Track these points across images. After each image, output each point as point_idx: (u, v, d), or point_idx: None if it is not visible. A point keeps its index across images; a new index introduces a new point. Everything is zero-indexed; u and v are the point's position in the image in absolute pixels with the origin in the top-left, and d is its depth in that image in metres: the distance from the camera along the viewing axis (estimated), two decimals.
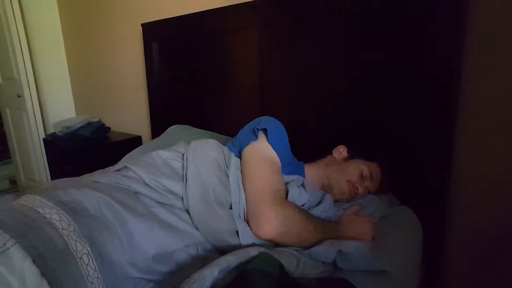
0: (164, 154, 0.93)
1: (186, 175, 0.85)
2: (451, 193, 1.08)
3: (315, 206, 0.92)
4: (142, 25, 1.92)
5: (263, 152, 0.92)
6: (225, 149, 0.98)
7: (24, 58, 2.48)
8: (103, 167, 1.45)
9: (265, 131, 0.96)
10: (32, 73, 2.53)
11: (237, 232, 0.75)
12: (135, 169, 0.84)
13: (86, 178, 0.88)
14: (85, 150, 2.08)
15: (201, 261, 0.72)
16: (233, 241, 0.74)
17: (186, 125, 1.70)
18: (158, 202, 0.79)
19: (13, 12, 2.39)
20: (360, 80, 1.17)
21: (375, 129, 1.15)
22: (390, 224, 0.94)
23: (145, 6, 2.02)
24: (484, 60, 0.98)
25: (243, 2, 1.45)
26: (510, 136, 0.97)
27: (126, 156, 1.48)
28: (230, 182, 0.86)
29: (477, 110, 1.01)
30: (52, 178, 2.58)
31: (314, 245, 0.78)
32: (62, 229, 0.63)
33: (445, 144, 1.02)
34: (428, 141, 1.04)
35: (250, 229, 0.77)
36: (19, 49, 2.45)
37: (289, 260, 0.67)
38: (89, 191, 0.73)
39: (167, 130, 1.68)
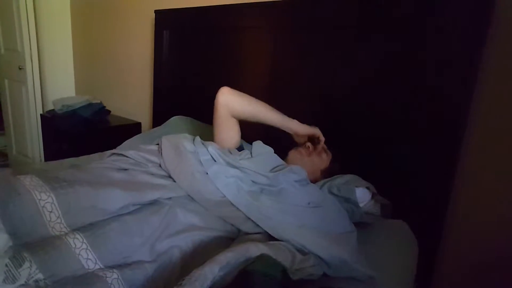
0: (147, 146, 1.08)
1: (161, 146, 0.99)
2: (449, 208, 1.08)
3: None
4: (156, 11, 1.90)
5: None
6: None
7: (30, 30, 2.43)
8: (99, 150, 1.43)
9: None
10: (36, 46, 2.49)
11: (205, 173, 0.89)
12: (126, 153, 1.00)
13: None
14: (83, 131, 2.06)
15: (171, 208, 0.81)
16: (201, 177, 0.88)
17: (188, 117, 1.69)
18: (141, 170, 0.93)
19: None
20: (371, 86, 1.18)
21: (381, 139, 1.17)
22: (384, 236, 0.98)
23: None
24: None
25: (260, 1, 1.45)
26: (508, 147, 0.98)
27: (124, 143, 1.46)
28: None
29: (477, 117, 1.02)
30: (46, 155, 2.54)
31: (271, 123, 1.07)
32: (30, 185, 0.71)
33: (445, 159, 1.04)
34: (428, 155, 1.06)
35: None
36: (25, 21, 2.40)
37: (284, 255, 0.69)
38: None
39: (169, 120, 1.66)
